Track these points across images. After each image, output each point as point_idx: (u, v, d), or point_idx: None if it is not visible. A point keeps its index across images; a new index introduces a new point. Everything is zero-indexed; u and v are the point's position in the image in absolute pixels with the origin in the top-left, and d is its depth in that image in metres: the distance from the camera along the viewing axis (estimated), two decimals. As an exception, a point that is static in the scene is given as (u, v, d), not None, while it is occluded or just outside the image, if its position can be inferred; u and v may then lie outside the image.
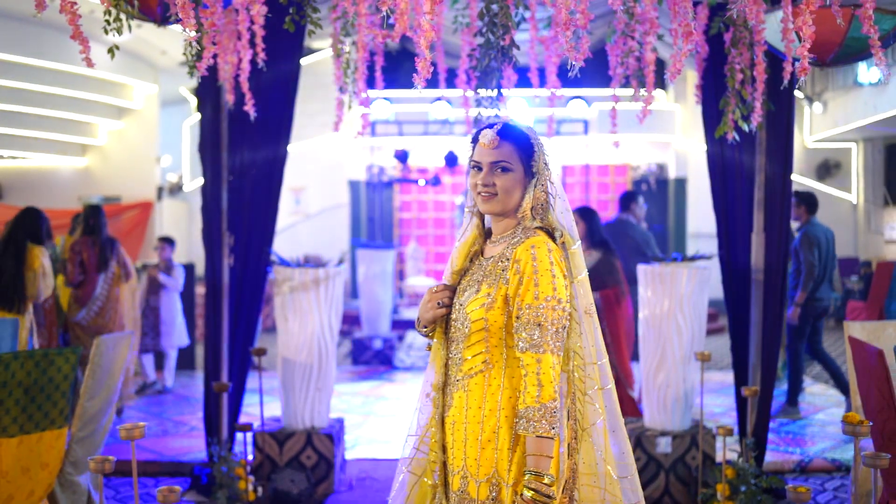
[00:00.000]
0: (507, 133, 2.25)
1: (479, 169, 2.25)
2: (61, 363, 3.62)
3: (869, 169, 15.69)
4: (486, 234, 2.39)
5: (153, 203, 13.55)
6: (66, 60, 11.39)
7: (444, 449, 2.27)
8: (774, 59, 4.25)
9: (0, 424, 3.44)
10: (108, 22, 3.02)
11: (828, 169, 15.80)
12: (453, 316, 2.27)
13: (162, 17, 3.70)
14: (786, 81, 3.33)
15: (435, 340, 2.35)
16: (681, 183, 15.33)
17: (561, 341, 2.16)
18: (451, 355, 2.27)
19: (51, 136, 12.73)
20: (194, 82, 14.72)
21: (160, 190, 13.88)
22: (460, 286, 2.30)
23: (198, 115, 15.38)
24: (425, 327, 2.34)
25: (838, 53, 3.99)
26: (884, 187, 15.58)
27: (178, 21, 3.47)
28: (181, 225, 14.75)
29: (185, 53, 3.49)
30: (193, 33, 2.76)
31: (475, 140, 2.29)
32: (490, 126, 2.25)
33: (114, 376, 4.29)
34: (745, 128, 4.26)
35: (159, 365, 8.49)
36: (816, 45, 3.96)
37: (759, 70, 3.97)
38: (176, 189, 15.08)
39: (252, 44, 3.69)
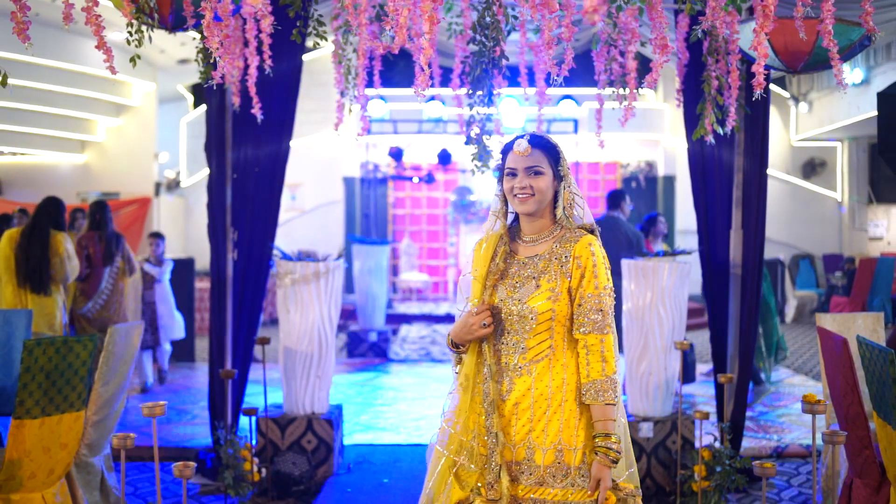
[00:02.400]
0: (537, 141, 2.56)
1: (514, 175, 2.54)
2: (80, 350, 3.85)
3: (853, 167, 15.99)
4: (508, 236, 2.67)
5: (151, 199, 13.78)
6: (66, 58, 11.60)
7: (497, 428, 2.48)
8: (752, 64, 4.50)
9: (24, 407, 3.67)
10: (130, 34, 3.27)
11: (813, 167, 16.10)
12: (505, 310, 2.52)
13: (173, 26, 3.94)
14: (756, 91, 3.56)
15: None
16: (669, 180, 15.62)
17: (614, 322, 2.53)
18: (506, 345, 2.53)
19: (50, 133, 12.94)
20: (192, 80, 14.80)
21: (158, 186, 14.11)
22: (503, 283, 2.55)
23: (195, 113, 15.49)
24: (458, 346, 2.57)
25: (808, 62, 4.23)
26: (868, 186, 15.88)
27: (186, 29, 3.72)
28: (178, 220, 14.98)
29: (197, 60, 3.73)
30: (215, 48, 2.98)
31: (507, 150, 2.58)
32: (520, 137, 2.56)
33: (126, 363, 4.54)
34: (721, 132, 4.51)
35: (154, 357, 8.64)
36: (788, 54, 4.23)
37: (734, 77, 4.23)
38: (174, 185, 15.30)
39: (259, 51, 3.92)
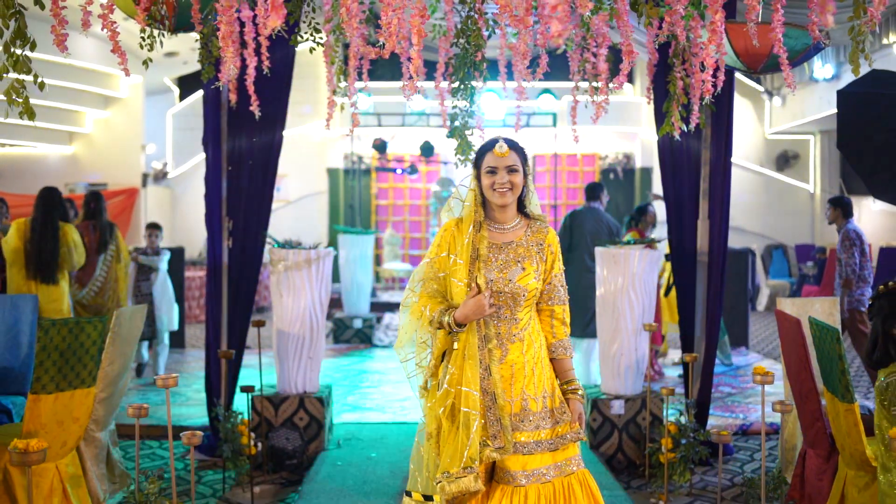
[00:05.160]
0: (512, 144, 2.98)
1: (494, 172, 2.93)
2: (90, 330, 4.13)
3: (826, 160, 16.42)
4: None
5: (138, 189, 14.00)
6: (54, 51, 11.74)
7: (494, 388, 2.90)
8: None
9: (40, 383, 3.95)
10: (143, 38, 3.56)
11: (786, 160, 16.52)
12: (495, 289, 2.90)
13: (175, 27, 4.20)
14: (706, 97, 3.88)
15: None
16: (647, 172, 15.98)
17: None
18: (500, 318, 2.93)
19: (39, 124, 13.11)
20: (178, 73, 14.87)
21: (145, 177, 14.33)
22: (488, 266, 2.94)
23: (182, 105, 15.63)
24: (461, 325, 2.92)
25: (767, 63, 4.55)
26: (839, 178, 16.31)
27: (187, 30, 3.99)
28: (165, 211, 15.22)
29: (200, 61, 4.02)
30: (230, 57, 3.25)
31: (485, 151, 2.98)
32: (496, 141, 2.97)
33: (130, 345, 4.83)
34: (685, 129, 4.83)
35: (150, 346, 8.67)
36: (748, 56, 4.56)
37: (697, 79, 4.55)
38: (160, 176, 15.53)
39: (257, 52, 4.20)
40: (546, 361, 3.01)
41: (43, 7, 3.12)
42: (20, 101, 3.04)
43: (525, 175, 3.00)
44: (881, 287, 3.65)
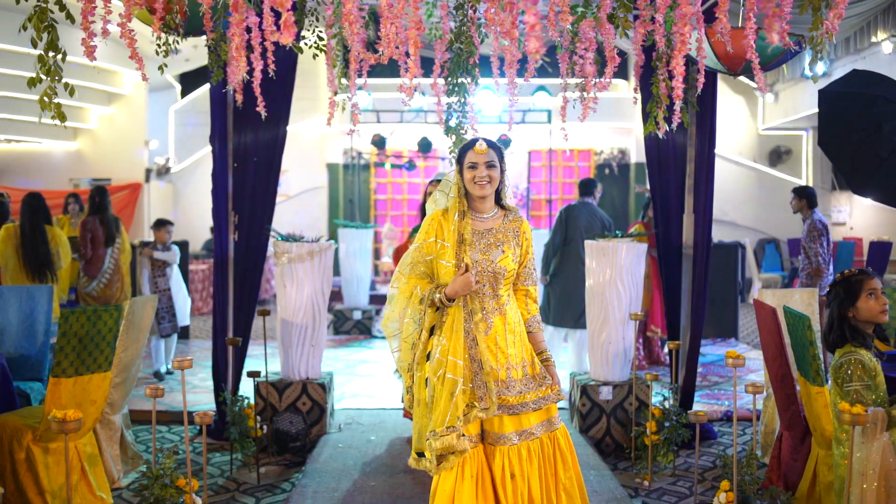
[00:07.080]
0: (490, 143, 3.35)
1: (475, 167, 3.30)
2: (107, 318, 4.39)
3: (818, 155, 16.64)
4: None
5: (142, 184, 14.25)
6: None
7: (480, 356, 3.25)
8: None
9: (60, 367, 4.21)
10: (158, 46, 3.83)
11: (779, 155, 16.76)
12: (479, 269, 3.27)
13: (185, 32, 4.45)
14: (677, 102, 4.14)
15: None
16: (641, 167, 16.20)
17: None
18: (484, 295, 3.29)
19: (44, 121, 13.32)
20: (181, 69, 15.03)
21: (148, 172, 14.57)
22: (474, 249, 3.30)
23: (184, 101, 15.81)
24: (451, 300, 3.28)
25: (746, 66, 4.81)
26: (831, 173, 16.54)
27: (198, 35, 4.24)
28: (168, 205, 15.46)
29: (209, 65, 4.27)
30: (244, 69, 3.50)
31: (467, 149, 3.36)
32: (476, 139, 3.35)
33: (143, 332, 5.10)
34: (667, 128, 5.08)
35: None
36: (728, 59, 4.82)
37: (678, 81, 4.80)
38: (163, 171, 15.76)
39: (263, 56, 4.44)
40: (524, 335, 3.40)
41: (73, 21, 3.38)
42: (52, 104, 3.30)
43: (502, 171, 3.36)
44: (838, 275, 3.92)
